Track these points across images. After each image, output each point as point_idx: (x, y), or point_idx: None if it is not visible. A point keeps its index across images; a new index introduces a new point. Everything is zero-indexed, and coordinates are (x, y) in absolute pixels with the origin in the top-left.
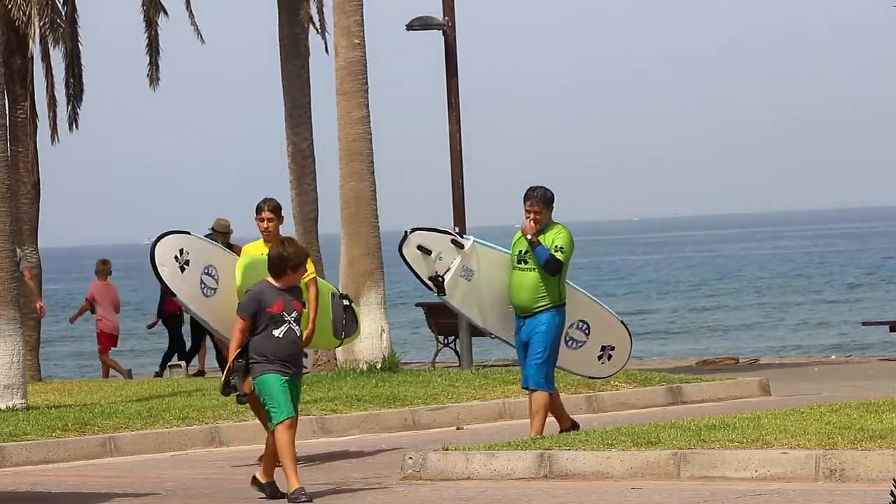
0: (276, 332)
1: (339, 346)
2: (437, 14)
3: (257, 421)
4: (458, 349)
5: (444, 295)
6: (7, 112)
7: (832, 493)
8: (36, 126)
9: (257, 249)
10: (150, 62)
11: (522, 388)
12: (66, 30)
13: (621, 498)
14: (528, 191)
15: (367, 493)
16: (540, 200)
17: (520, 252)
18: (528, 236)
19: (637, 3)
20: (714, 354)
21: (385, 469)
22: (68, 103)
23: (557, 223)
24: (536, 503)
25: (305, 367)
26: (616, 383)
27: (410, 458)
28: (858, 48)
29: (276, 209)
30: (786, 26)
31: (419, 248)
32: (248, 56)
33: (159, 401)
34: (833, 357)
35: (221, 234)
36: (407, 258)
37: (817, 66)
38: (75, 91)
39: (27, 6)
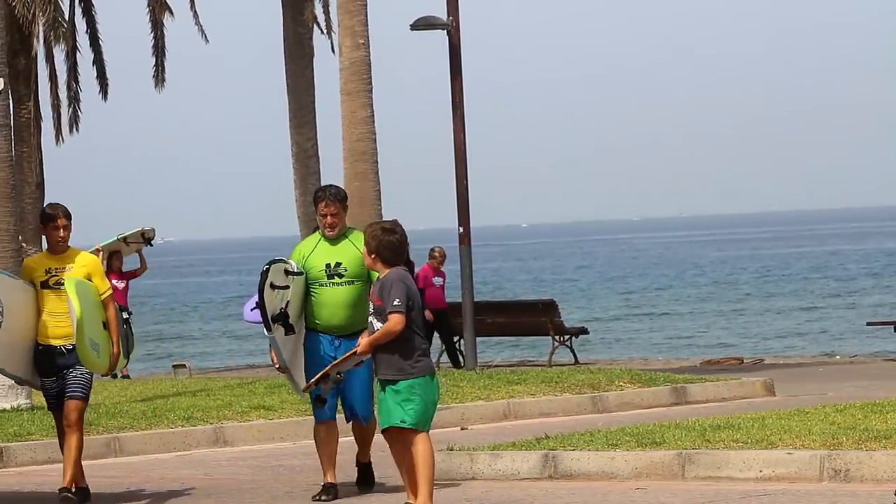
0: None
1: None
2: (442, 14)
3: (262, 421)
4: (463, 349)
5: None
6: (11, 112)
7: (837, 494)
8: (40, 126)
9: (42, 263)
10: (156, 63)
11: (346, 420)
12: (68, 29)
13: (626, 498)
14: (318, 191)
15: (372, 493)
16: (335, 199)
17: (328, 266)
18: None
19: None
20: (719, 355)
21: (390, 469)
22: (69, 105)
23: (354, 228)
24: (541, 503)
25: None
26: (621, 383)
27: None
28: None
29: (69, 215)
30: (789, 24)
31: None
32: (252, 56)
33: (164, 401)
34: (838, 357)
35: None
36: None
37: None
38: (77, 94)
39: (31, 4)
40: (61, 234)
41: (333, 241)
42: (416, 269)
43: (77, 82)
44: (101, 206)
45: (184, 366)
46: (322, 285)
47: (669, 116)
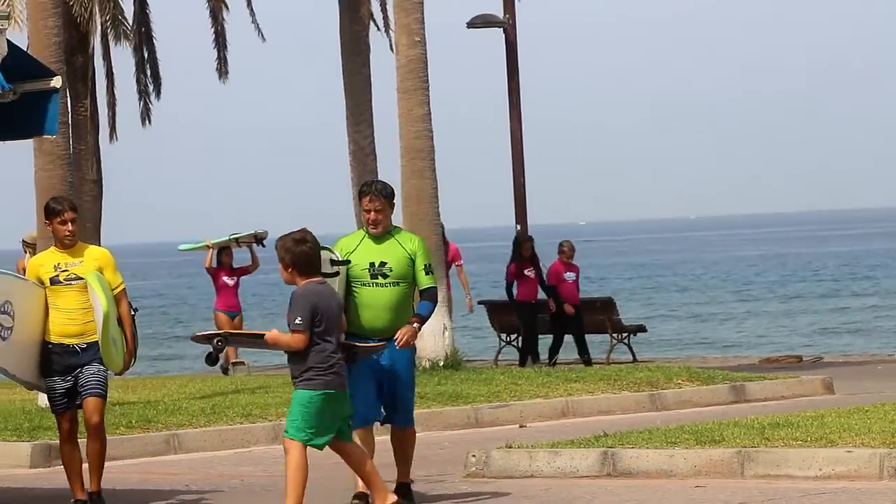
0: None
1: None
2: (498, 12)
3: None
4: (521, 347)
5: None
6: (69, 110)
7: None
8: (97, 123)
9: (50, 259)
10: (219, 56)
11: (380, 423)
12: (132, 27)
13: (685, 496)
14: (364, 185)
15: (431, 490)
16: (380, 195)
17: (372, 265)
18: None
19: None
20: (778, 352)
21: (448, 467)
22: (140, 99)
23: (400, 227)
24: (600, 501)
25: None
26: (679, 381)
27: (474, 455)
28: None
29: (76, 207)
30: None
31: None
32: (309, 54)
33: (222, 398)
34: None
35: (32, 247)
36: None
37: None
38: (147, 87)
39: (89, 3)
40: (69, 228)
41: (378, 239)
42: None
43: (146, 76)
44: (159, 203)
45: (242, 363)
46: (364, 285)
47: (731, 113)
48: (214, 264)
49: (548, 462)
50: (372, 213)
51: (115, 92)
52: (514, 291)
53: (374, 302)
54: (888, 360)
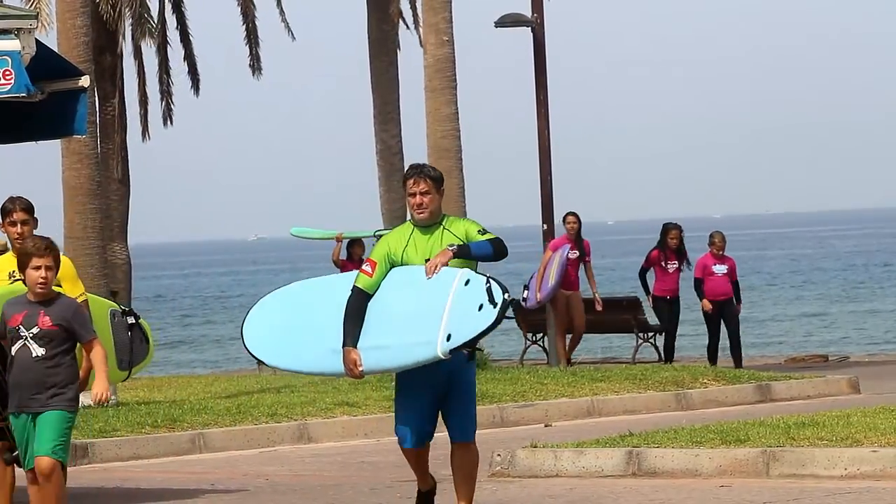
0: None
1: (128, 377)
2: (526, 11)
3: (346, 418)
4: (546, 346)
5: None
6: (97, 109)
7: None
8: (125, 123)
9: (5, 265)
10: (251, 53)
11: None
12: (157, 25)
13: (710, 496)
14: (409, 169)
15: (454, 490)
16: (425, 175)
17: (427, 262)
18: (441, 260)
19: None
20: (805, 351)
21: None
22: (162, 99)
23: (448, 214)
24: (625, 500)
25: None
26: (705, 381)
27: (499, 455)
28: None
29: (30, 209)
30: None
31: None
32: (338, 52)
33: (248, 397)
34: None
35: None
36: None
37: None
38: (169, 87)
39: (118, 2)
40: (18, 231)
41: (426, 229)
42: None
43: (168, 76)
44: (185, 202)
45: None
46: None
47: (753, 110)
48: (343, 256)
49: (572, 461)
50: (417, 195)
51: (147, 90)
52: (651, 283)
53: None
54: None
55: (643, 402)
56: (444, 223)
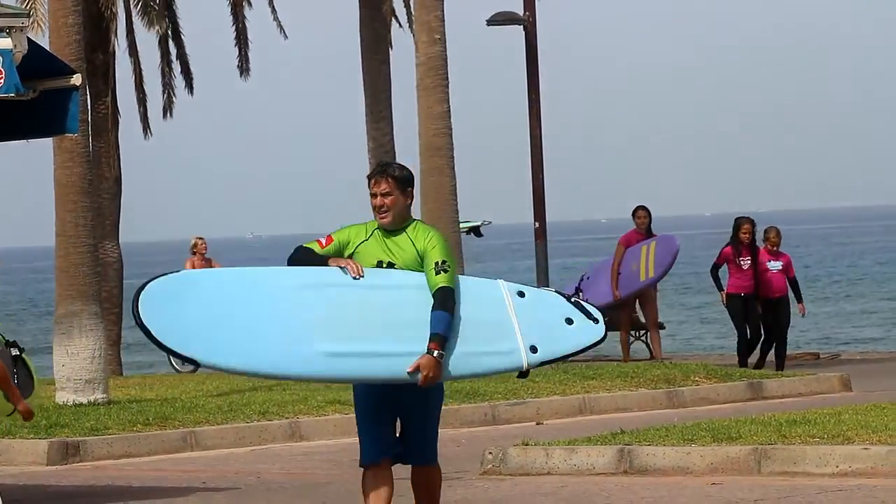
0: None
1: (12, 413)
2: (519, 9)
3: (338, 416)
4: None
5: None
6: (89, 107)
7: None
8: (118, 121)
9: None
10: (240, 53)
11: (395, 461)
12: (160, 12)
13: (701, 493)
14: (376, 166)
15: (447, 487)
16: (385, 175)
17: (379, 264)
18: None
19: None
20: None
21: (465, 464)
22: (164, 92)
23: (420, 221)
24: (616, 498)
25: None
26: (696, 378)
27: (490, 452)
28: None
29: None
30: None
31: None
32: (330, 50)
33: (239, 395)
34: None
35: None
36: None
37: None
38: (171, 81)
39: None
40: None
41: (390, 233)
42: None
43: (171, 68)
44: (179, 201)
45: None
46: None
47: (743, 108)
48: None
49: (564, 459)
50: (378, 197)
51: (146, 87)
52: (725, 280)
53: None
54: None
55: (635, 399)
56: (408, 228)
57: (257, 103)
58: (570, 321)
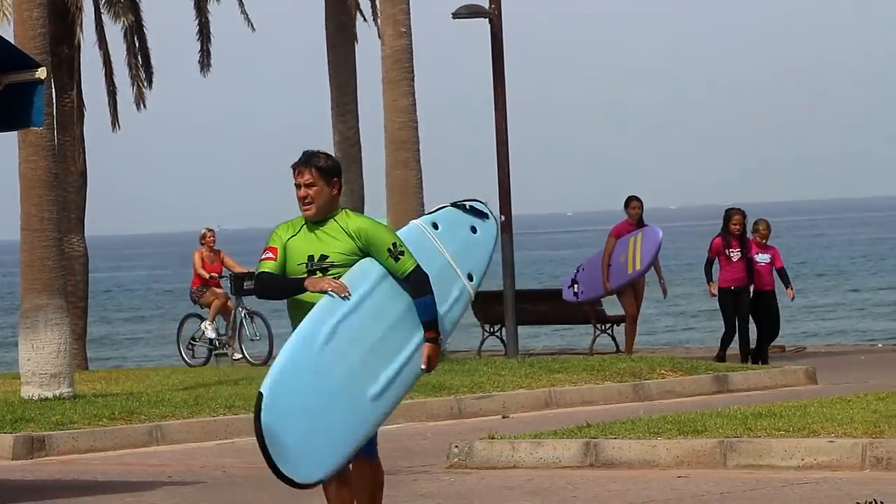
0: None
1: None
2: (484, 2)
3: None
4: (504, 337)
5: None
6: (55, 101)
7: (878, 482)
8: (83, 114)
9: None
10: (202, 48)
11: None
12: (125, 6)
13: (667, 486)
14: (301, 155)
15: (413, 481)
16: (307, 165)
17: (310, 258)
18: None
19: None
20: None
21: (431, 457)
22: (133, 84)
23: (347, 209)
24: (582, 491)
25: None
26: (662, 372)
27: (456, 446)
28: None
29: None
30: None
31: None
32: (295, 44)
33: (205, 389)
34: (880, 345)
35: None
36: None
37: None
38: (140, 73)
39: None
40: None
41: (318, 225)
42: (704, 244)
43: (137, 61)
44: (146, 194)
45: (225, 354)
46: None
47: (708, 102)
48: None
49: (530, 453)
50: (301, 188)
51: (115, 80)
52: (716, 272)
53: (313, 304)
54: (871, 350)
55: (601, 393)
56: (336, 217)
57: (225, 96)
58: (474, 230)
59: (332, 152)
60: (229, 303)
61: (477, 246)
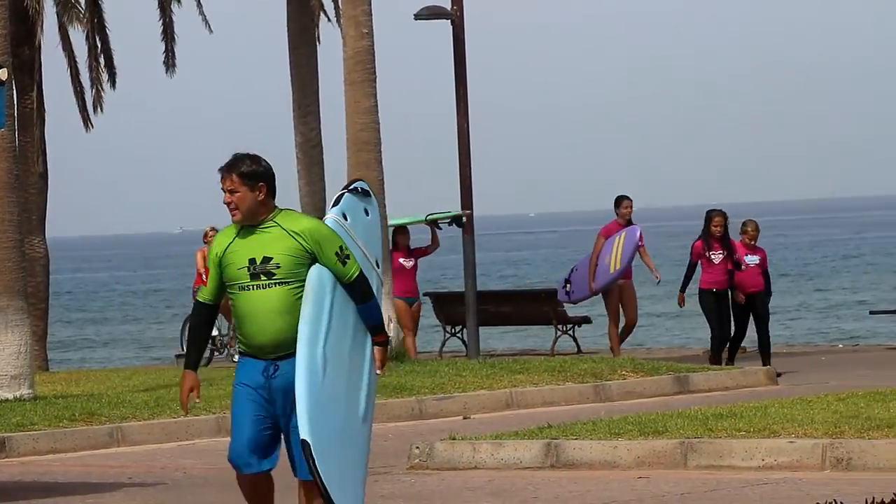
0: None
1: None
2: (446, 4)
3: None
4: (465, 338)
5: None
6: (15, 102)
7: (839, 482)
8: (43, 116)
9: None
10: (166, 48)
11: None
12: (84, 13)
13: (628, 487)
14: (227, 161)
15: (374, 482)
16: (229, 171)
17: (252, 262)
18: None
19: None
20: None
21: (392, 458)
22: (92, 87)
23: (288, 209)
24: (543, 492)
25: None
26: (623, 372)
27: (417, 447)
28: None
29: None
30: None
31: None
32: (257, 44)
33: (166, 391)
34: (841, 346)
35: None
36: None
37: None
38: (100, 75)
39: None
40: None
41: (257, 227)
42: (687, 244)
43: (98, 63)
44: (105, 195)
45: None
46: (243, 289)
47: (672, 99)
48: (389, 246)
49: (491, 454)
50: (226, 194)
51: (81, 80)
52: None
53: (259, 308)
54: (832, 351)
55: (562, 393)
56: (276, 219)
57: (189, 97)
58: (367, 212)
59: (293, 154)
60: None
61: (374, 229)
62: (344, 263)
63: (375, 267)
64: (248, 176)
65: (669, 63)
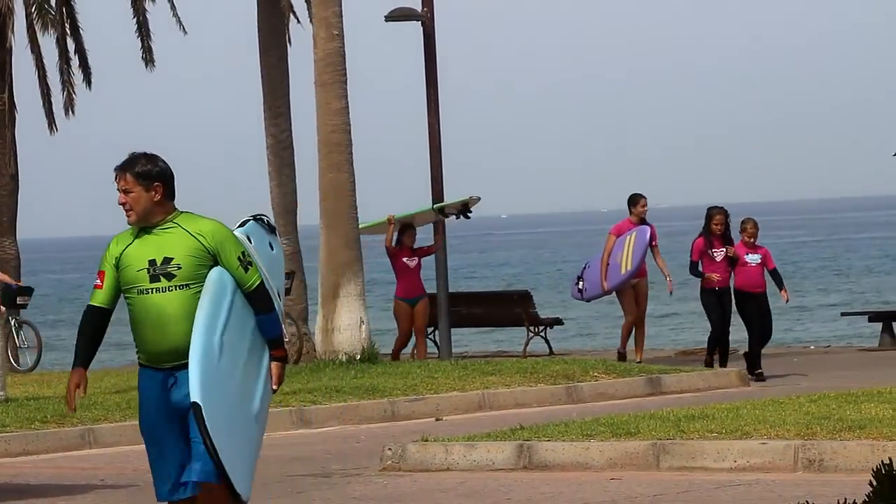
0: None
1: None
2: (417, 6)
3: None
4: (437, 340)
5: None
6: None
7: (811, 483)
8: (14, 117)
9: None
10: (143, 45)
11: (174, 497)
12: (56, 17)
13: (600, 489)
14: (121, 161)
15: (346, 483)
16: (123, 170)
17: (151, 263)
18: None
19: None
20: (696, 345)
21: (364, 460)
22: (63, 89)
23: (187, 212)
24: (516, 494)
25: None
26: (595, 374)
27: (390, 449)
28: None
29: None
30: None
31: None
32: (227, 46)
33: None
34: (812, 347)
35: None
36: None
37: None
38: (71, 77)
39: None
40: None
41: (156, 228)
42: (687, 241)
43: (69, 66)
44: (78, 197)
45: None
46: (143, 293)
47: (643, 101)
48: (394, 243)
49: (464, 455)
50: (120, 194)
51: (49, 83)
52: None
53: (158, 313)
54: (804, 352)
55: (534, 395)
56: (176, 219)
57: (156, 98)
58: (271, 246)
59: (264, 155)
60: None
61: (277, 263)
62: (246, 270)
63: (277, 298)
64: (143, 176)
65: (669, 67)
